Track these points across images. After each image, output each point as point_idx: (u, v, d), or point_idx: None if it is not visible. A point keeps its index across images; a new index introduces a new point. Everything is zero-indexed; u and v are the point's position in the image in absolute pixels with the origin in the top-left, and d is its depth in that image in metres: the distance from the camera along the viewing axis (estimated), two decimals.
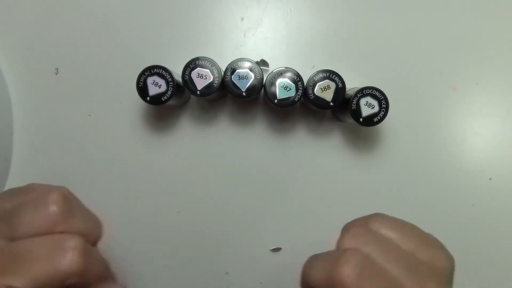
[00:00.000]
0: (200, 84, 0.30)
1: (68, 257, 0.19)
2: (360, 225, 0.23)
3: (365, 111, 0.30)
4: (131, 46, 0.36)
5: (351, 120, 0.31)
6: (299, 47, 0.36)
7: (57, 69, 0.36)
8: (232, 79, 0.30)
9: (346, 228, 0.22)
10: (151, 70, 0.31)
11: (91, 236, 0.23)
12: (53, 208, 0.21)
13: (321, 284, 0.21)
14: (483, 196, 0.36)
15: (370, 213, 0.26)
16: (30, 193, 0.23)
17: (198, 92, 0.30)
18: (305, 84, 0.31)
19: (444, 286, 0.20)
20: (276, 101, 0.30)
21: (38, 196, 0.22)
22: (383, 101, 0.31)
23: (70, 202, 0.22)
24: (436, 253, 0.22)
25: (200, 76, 0.30)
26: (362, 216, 0.26)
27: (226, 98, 0.36)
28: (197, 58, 0.31)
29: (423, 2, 0.36)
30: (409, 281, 0.19)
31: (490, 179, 0.36)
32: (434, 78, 0.36)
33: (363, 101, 0.30)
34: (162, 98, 0.30)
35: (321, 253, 0.23)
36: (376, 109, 0.30)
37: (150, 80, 0.31)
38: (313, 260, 0.23)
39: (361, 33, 0.36)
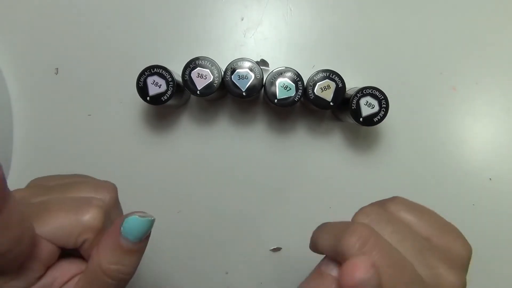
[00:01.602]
0: (200, 84, 0.30)
1: (92, 212, 0.20)
2: (376, 205, 0.23)
3: (365, 111, 0.30)
4: (131, 46, 0.36)
5: (351, 120, 0.31)
6: (299, 47, 0.36)
7: (57, 69, 0.36)
8: (232, 79, 0.30)
9: (361, 208, 0.22)
10: (151, 70, 0.31)
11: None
12: (110, 196, 0.23)
13: (328, 251, 0.21)
14: (483, 196, 0.36)
15: None
16: (84, 178, 0.26)
17: (198, 92, 0.30)
18: (305, 84, 0.31)
19: (456, 272, 0.20)
20: (276, 101, 0.30)
21: (98, 181, 0.25)
22: (383, 101, 0.30)
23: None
24: (453, 240, 0.22)
25: (200, 76, 0.30)
26: None
27: (226, 98, 0.36)
28: (197, 58, 0.31)
29: (423, 3, 0.36)
30: (417, 261, 0.19)
31: (490, 179, 0.36)
32: (434, 78, 0.36)
33: (363, 101, 0.30)
34: (162, 98, 0.30)
35: (332, 222, 0.23)
36: (376, 109, 0.30)
37: (150, 80, 0.31)
38: (323, 228, 0.23)
39: (361, 33, 0.36)
